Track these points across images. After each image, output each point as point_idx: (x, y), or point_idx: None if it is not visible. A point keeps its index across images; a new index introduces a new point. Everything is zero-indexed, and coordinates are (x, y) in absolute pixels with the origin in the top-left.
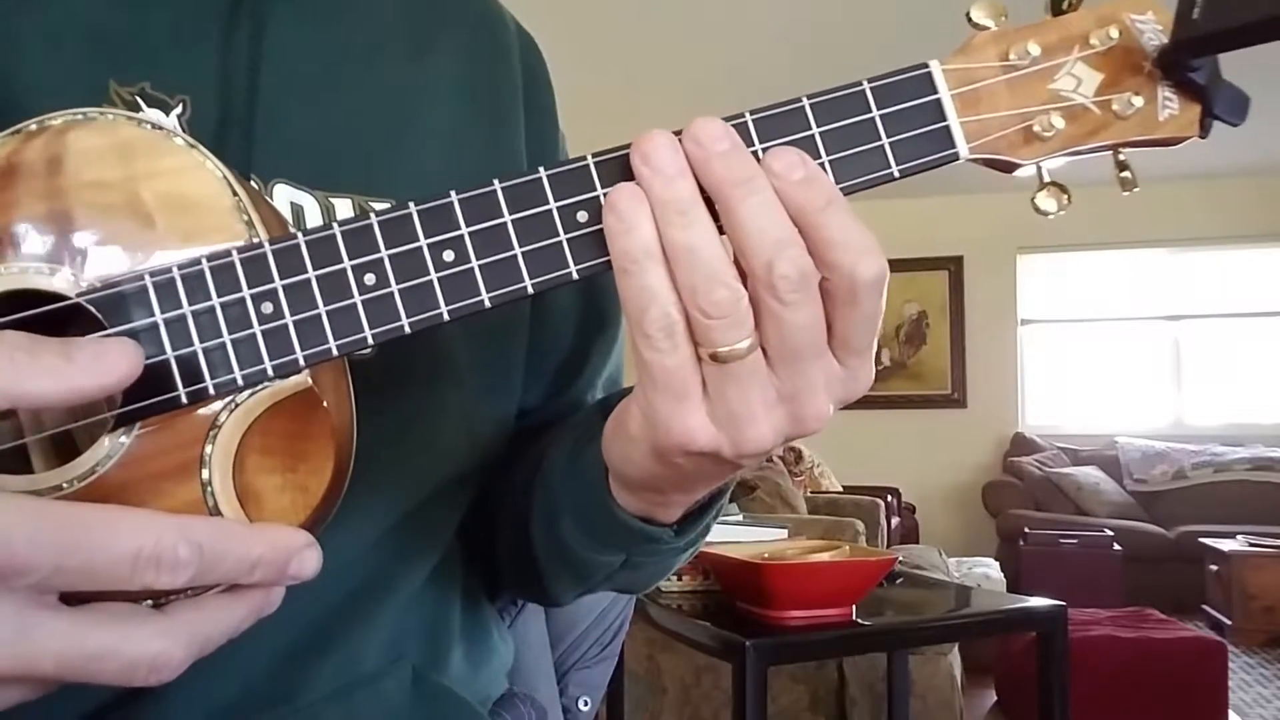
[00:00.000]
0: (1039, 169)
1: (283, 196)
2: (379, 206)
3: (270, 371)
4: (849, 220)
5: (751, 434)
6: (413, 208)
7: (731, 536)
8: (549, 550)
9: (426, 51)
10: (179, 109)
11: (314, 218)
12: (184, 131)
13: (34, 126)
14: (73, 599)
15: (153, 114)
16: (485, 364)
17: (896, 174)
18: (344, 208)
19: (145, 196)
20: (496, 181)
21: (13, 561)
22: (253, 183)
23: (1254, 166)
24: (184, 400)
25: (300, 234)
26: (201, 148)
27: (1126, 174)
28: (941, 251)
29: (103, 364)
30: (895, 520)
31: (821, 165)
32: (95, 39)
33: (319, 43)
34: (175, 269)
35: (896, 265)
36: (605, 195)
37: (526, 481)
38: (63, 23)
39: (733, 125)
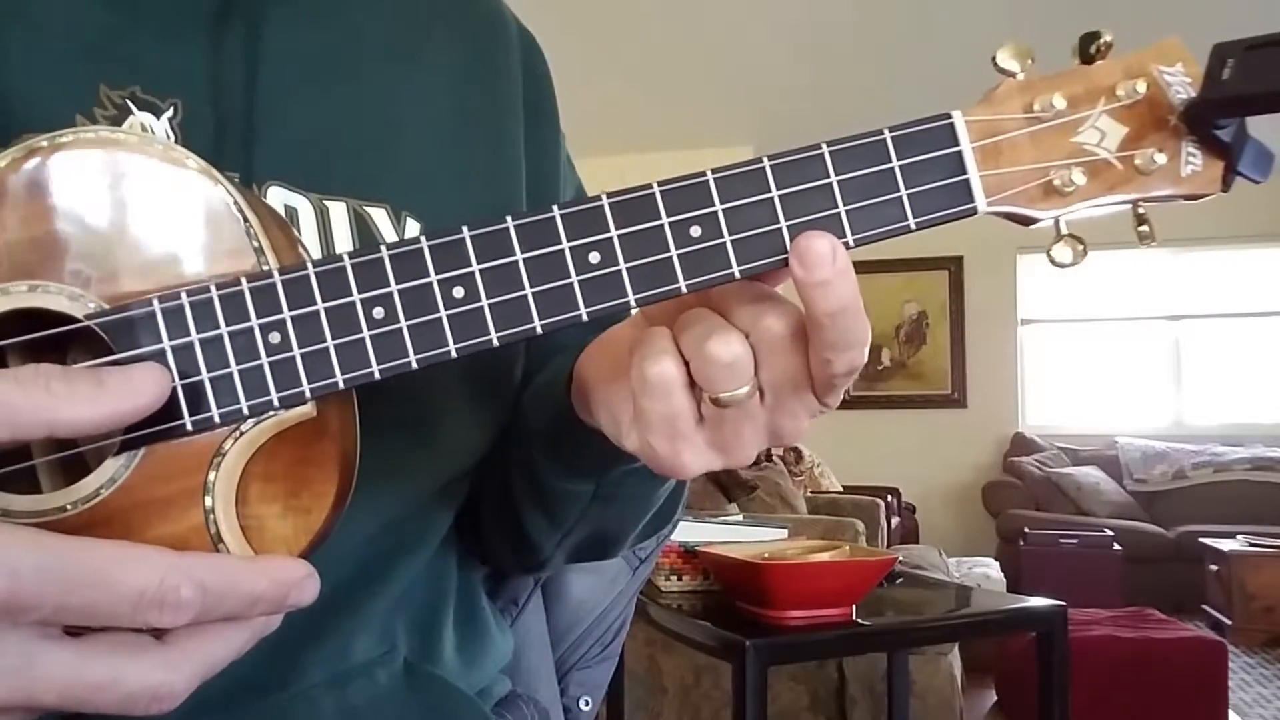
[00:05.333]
0: (1056, 222)
1: (277, 198)
2: (373, 208)
3: (276, 402)
4: (852, 324)
5: (740, 457)
6: (424, 242)
7: (731, 536)
8: (524, 490)
9: (423, 52)
10: (170, 112)
11: (308, 220)
12: (177, 134)
13: (44, 143)
14: (75, 627)
15: (144, 118)
16: (482, 370)
17: (913, 226)
18: (338, 209)
19: (155, 219)
20: (509, 219)
21: (19, 599)
22: (252, 188)
23: None
24: (189, 427)
25: (310, 264)
26: (213, 170)
27: (1144, 228)
28: (941, 251)
29: (133, 387)
30: (895, 520)
31: (837, 215)
32: (83, 43)
33: (313, 44)
34: (184, 295)
35: (896, 265)
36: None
37: (507, 439)
38: (50, 28)
39: (750, 171)
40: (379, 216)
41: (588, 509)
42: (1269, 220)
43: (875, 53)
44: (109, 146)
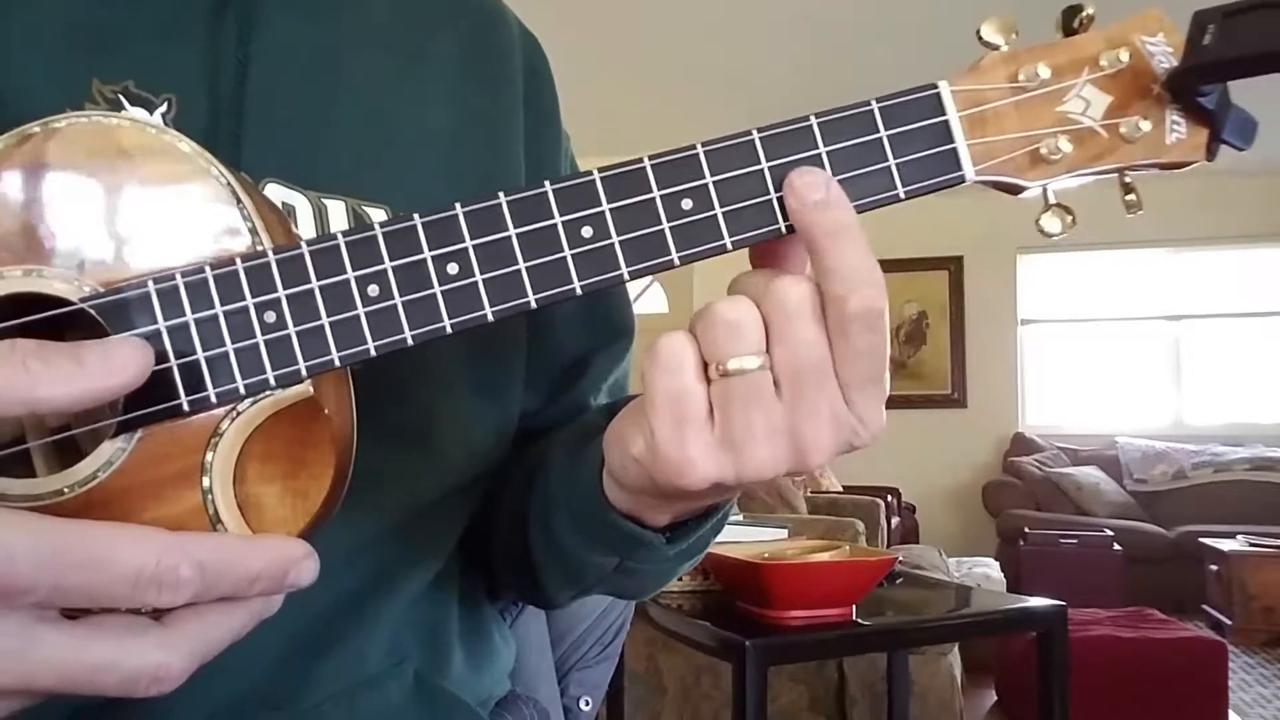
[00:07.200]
0: (1044, 191)
1: (274, 196)
2: (372, 209)
3: (272, 381)
4: (856, 252)
5: (753, 460)
6: (417, 219)
7: (731, 536)
8: (544, 549)
9: (422, 51)
10: (164, 107)
11: (306, 218)
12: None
13: (37, 129)
14: (73, 610)
15: (136, 112)
16: (483, 372)
17: (902, 195)
18: (336, 208)
19: (149, 202)
20: (501, 195)
21: (15, 581)
22: None
23: (1254, 167)
24: (186, 408)
25: (304, 244)
26: (207, 154)
27: (1132, 196)
28: (941, 251)
29: (113, 364)
30: (895, 520)
31: None
32: (77, 37)
33: (310, 42)
34: (179, 276)
35: (896, 265)
36: (654, 345)
37: (526, 480)
38: (44, 22)
39: (739, 143)
40: (378, 217)
41: (608, 576)
42: (1269, 220)
43: (876, 54)
44: (103, 131)
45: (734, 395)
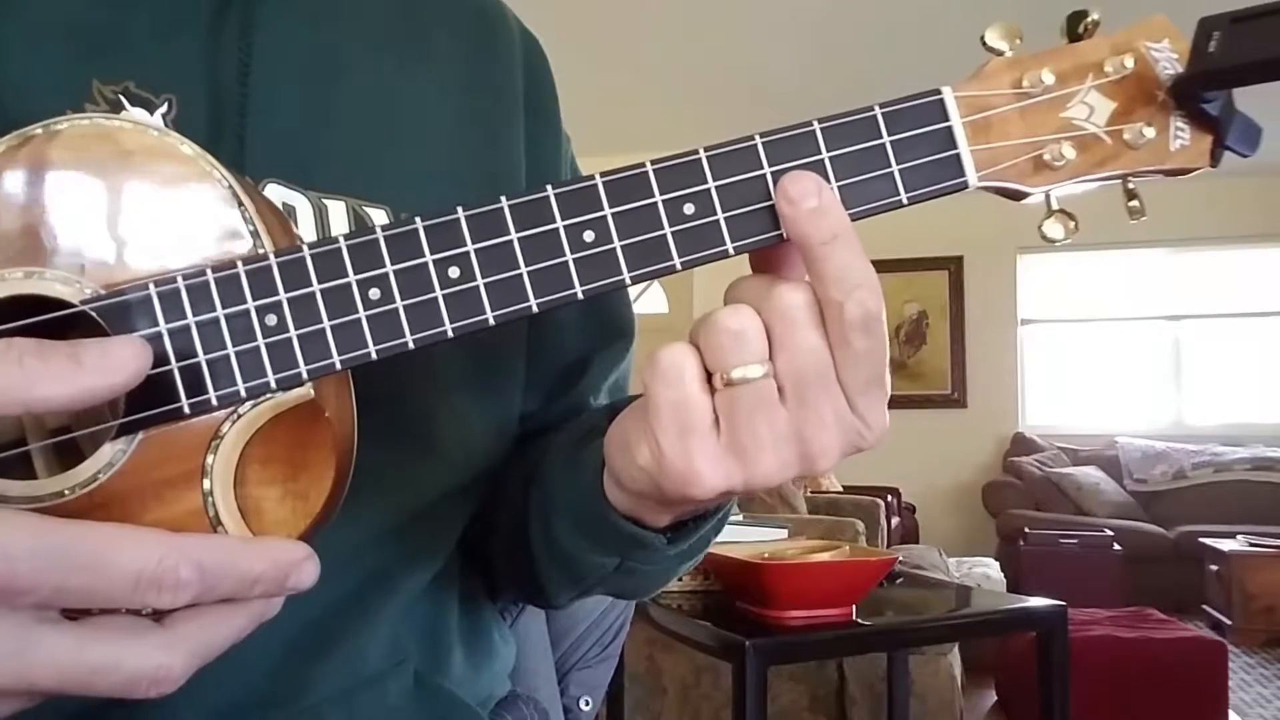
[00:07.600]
0: (1047, 197)
1: (275, 196)
2: (372, 209)
3: (273, 384)
4: (850, 257)
5: (760, 466)
6: (419, 223)
7: (731, 536)
8: (544, 550)
9: (423, 52)
10: (164, 108)
11: (306, 218)
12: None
13: (39, 130)
14: (74, 611)
15: (137, 113)
16: (483, 372)
17: (905, 201)
18: (337, 208)
19: (150, 204)
20: (503, 198)
21: (15, 582)
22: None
23: (1254, 167)
24: (187, 410)
25: (305, 247)
26: (208, 156)
27: (1135, 203)
28: (941, 251)
29: (111, 363)
30: (895, 520)
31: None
32: (77, 37)
33: (311, 42)
34: (180, 278)
35: (896, 265)
36: (655, 355)
37: (525, 481)
38: (44, 22)
39: (742, 148)
40: (379, 218)
41: (609, 577)
42: (1269, 220)
43: (876, 55)
44: (104, 133)
45: (740, 404)
